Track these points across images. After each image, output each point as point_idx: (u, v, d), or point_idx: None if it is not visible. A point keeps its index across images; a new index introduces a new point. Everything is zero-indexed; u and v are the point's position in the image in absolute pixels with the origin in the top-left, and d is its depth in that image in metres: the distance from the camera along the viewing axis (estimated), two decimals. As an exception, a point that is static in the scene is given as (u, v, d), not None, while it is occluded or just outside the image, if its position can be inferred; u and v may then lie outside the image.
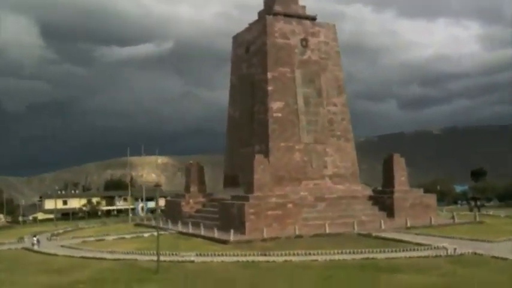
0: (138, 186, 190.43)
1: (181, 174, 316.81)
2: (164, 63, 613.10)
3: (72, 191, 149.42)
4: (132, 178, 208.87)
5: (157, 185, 31.35)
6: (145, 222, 63.62)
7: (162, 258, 34.43)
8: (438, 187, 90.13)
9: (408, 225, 48.59)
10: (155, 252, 36.34)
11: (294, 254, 34.22)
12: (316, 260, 32.15)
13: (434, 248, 35.47)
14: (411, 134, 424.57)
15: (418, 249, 35.35)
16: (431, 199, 56.20)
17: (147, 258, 34.74)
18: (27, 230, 64.18)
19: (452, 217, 53.56)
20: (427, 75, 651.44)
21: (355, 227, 46.40)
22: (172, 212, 61.01)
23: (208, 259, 33.70)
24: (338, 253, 34.23)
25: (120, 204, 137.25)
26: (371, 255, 33.19)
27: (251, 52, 58.34)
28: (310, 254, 34.25)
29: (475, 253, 33.09)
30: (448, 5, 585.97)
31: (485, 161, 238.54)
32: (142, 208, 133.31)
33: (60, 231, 57.86)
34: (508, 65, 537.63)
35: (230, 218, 47.22)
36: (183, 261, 32.70)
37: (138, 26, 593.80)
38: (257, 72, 56.58)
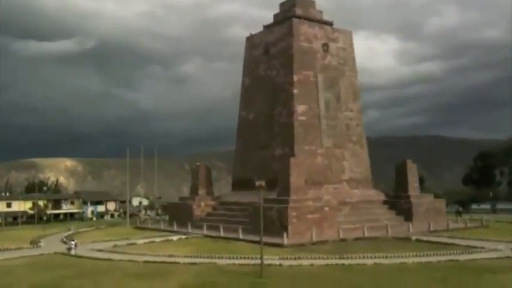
0: (63, 189, 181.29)
1: (91, 178, 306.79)
2: (84, 61, 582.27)
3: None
4: (57, 181, 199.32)
5: (260, 185, 29.75)
6: (149, 225, 60.80)
7: (241, 262, 33.41)
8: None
9: (431, 229, 50.06)
10: (221, 256, 35.27)
11: (371, 257, 33.91)
12: (405, 263, 32.05)
13: (492, 250, 36.72)
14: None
15: (481, 252, 36.32)
16: (442, 204, 58.34)
17: (224, 262, 33.29)
18: (17, 233, 59.15)
19: (457, 221, 56.41)
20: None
21: (389, 231, 47.20)
22: (179, 215, 58.58)
23: (292, 263, 32.75)
24: (417, 256, 34.30)
25: (67, 208, 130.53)
26: (453, 257, 33.58)
27: (272, 54, 57.62)
28: (387, 257, 34.09)
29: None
30: (369, 18, 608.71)
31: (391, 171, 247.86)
32: (92, 212, 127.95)
33: (65, 234, 53.76)
34: (419, 79, 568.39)
35: (266, 222, 45.97)
36: (269, 265, 31.31)
37: (58, 21, 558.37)
38: (279, 75, 56.01)
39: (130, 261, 34.03)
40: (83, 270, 31.21)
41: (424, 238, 44.40)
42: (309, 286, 25.68)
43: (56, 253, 39.11)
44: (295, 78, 54.18)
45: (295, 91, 53.99)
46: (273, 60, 57.52)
